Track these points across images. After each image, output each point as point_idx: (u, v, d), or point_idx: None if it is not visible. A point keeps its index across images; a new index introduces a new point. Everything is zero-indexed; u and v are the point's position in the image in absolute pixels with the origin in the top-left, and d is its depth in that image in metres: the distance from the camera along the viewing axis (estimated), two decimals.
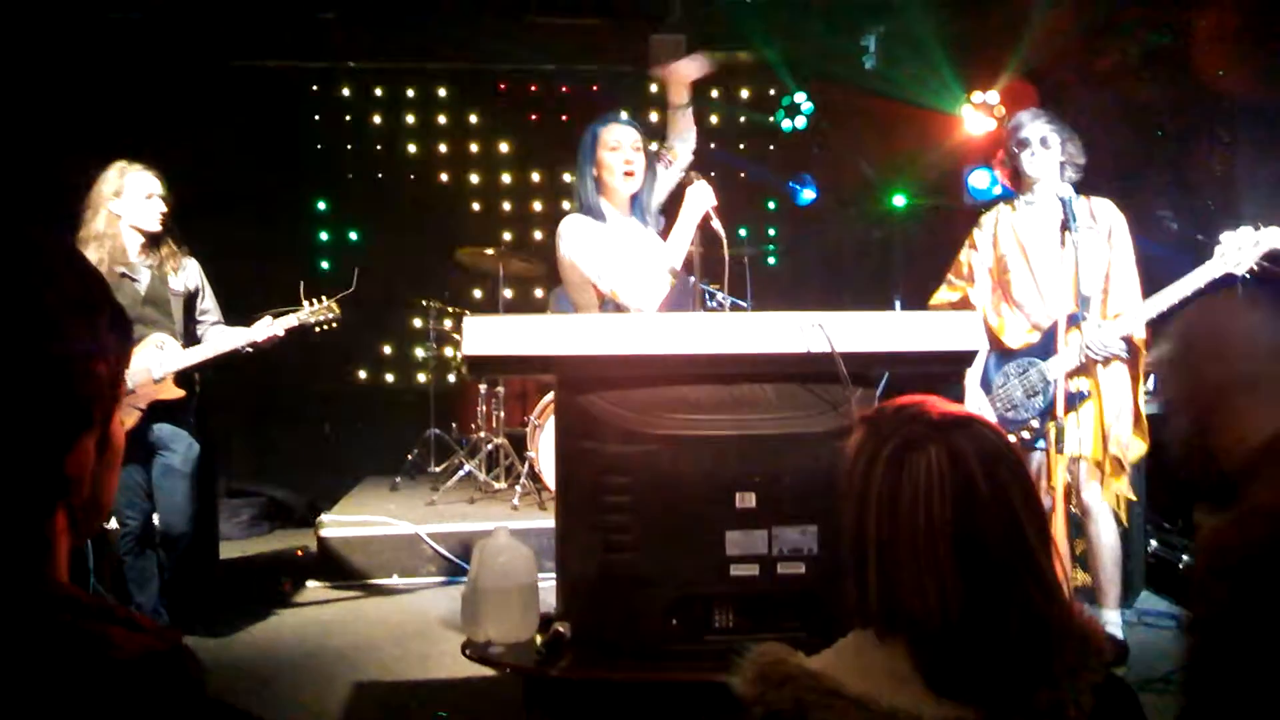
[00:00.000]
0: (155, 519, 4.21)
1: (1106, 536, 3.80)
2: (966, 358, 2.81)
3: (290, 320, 4.26)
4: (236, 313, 4.43)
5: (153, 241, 4.16)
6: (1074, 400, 3.69)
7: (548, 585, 2.82)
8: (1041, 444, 3.74)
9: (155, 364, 4.05)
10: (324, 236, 8.17)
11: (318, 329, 4.33)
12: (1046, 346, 3.80)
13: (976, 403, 3.97)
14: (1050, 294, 3.79)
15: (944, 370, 3.36)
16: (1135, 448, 3.85)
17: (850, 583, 1.31)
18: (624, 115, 3.61)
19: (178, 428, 4.18)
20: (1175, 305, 3.59)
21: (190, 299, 4.28)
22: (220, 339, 4.22)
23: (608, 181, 3.53)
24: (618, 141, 3.51)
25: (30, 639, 0.80)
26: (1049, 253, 3.71)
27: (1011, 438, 3.65)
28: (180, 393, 4.11)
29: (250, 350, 4.23)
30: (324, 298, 4.34)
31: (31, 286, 0.88)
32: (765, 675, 1.24)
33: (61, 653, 0.80)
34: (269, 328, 4.21)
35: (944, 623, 1.22)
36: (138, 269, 4.12)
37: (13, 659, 0.78)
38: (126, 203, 4.06)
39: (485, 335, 2.69)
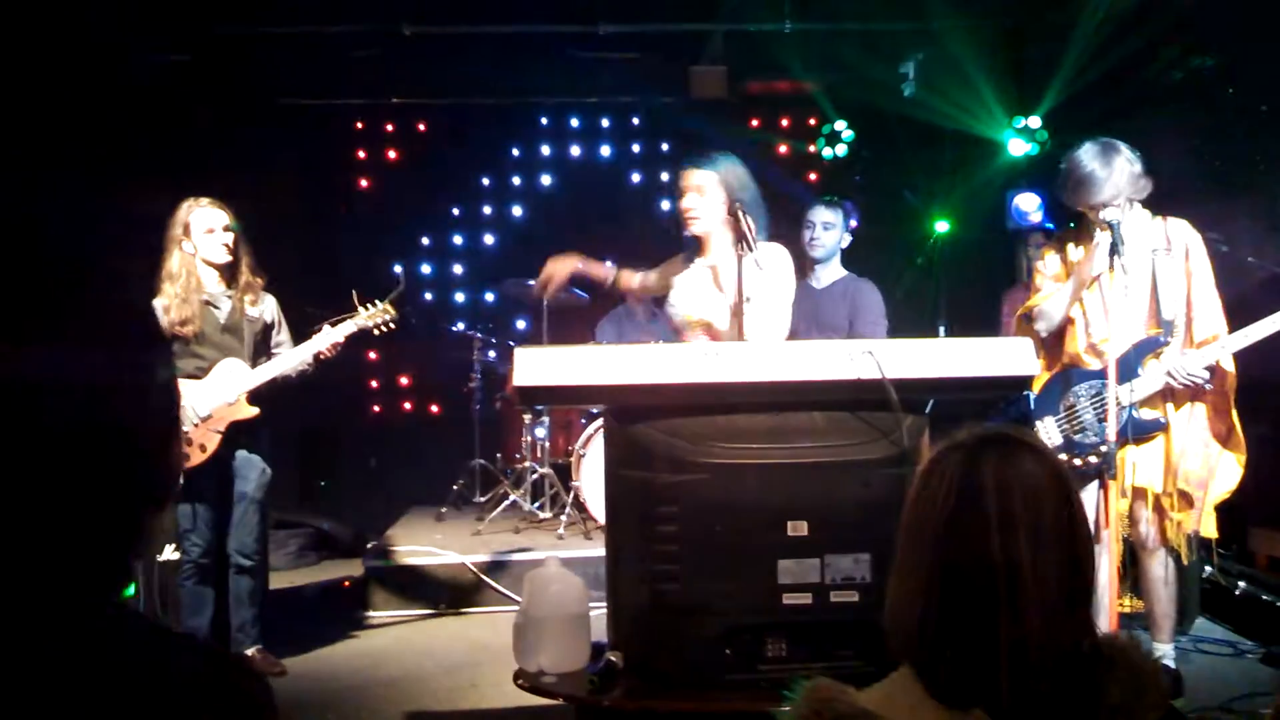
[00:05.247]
0: (229, 547, 4.27)
1: (1160, 570, 3.70)
2: (1019, 383, 2.79)
3: (349, 326, 4.31)
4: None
5: (229, 272, 4.26)
6: (1147, 428, 3.61)
7: (596, 614, 2.82)
8: (1112, 471, 3.61)
9: (227, 386, 4.14)
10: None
11: (376, 331, 4.40)
12: (1121, 371, 3.59)
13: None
14: (1118, 321, 3.63)
15: (995, 396, 3.34)
16: (1222, 482, 3.64)
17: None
18: (695, 156, 3.48)
19: (251, 454, 4.29)
20: (1265, 338, 3.50)
21: (266, 331, 4.38)
22: (285, 355, 4.32)
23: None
24: (682, 186, 3.48)
25: (103, 660, 0.81)
26: (1117, 279, 3.57)
27: (1078, 461, 3.59)
28: (254, 411, 4.19)
29: (311, 366, 4.32)
30: (377, 301, 4.41)
31: (116, 320, 0.91)
32: (818, 713, 1.20)
33: (134, 674, 0.81)
34: (328, 336, 4.28)
35: (923, 646, 1.20)
36: (219, 298, 4.24)
37: (84, 680, 0.79)
38: (194, 240, 4.18)
39: (536, 366, 2.71)
